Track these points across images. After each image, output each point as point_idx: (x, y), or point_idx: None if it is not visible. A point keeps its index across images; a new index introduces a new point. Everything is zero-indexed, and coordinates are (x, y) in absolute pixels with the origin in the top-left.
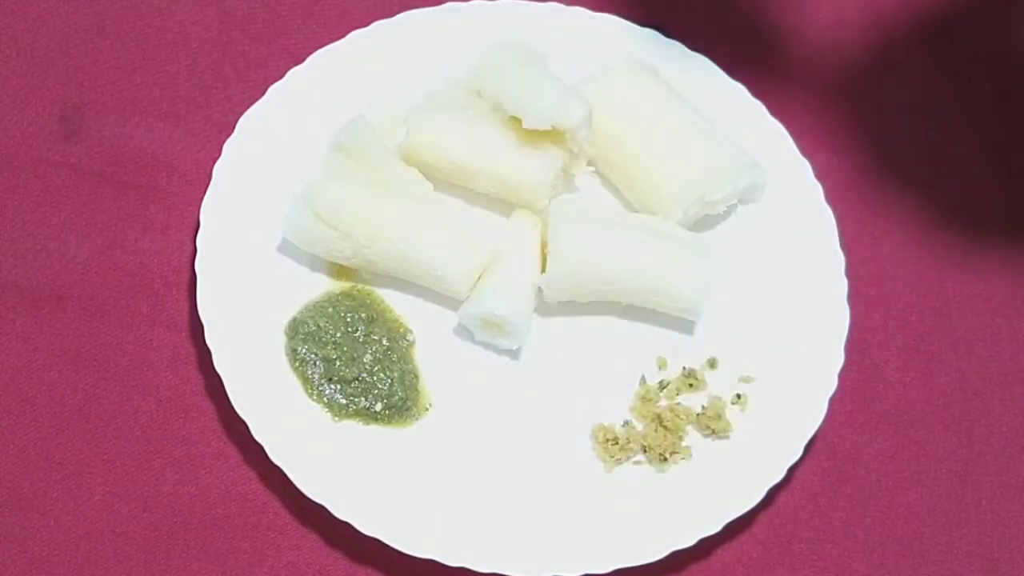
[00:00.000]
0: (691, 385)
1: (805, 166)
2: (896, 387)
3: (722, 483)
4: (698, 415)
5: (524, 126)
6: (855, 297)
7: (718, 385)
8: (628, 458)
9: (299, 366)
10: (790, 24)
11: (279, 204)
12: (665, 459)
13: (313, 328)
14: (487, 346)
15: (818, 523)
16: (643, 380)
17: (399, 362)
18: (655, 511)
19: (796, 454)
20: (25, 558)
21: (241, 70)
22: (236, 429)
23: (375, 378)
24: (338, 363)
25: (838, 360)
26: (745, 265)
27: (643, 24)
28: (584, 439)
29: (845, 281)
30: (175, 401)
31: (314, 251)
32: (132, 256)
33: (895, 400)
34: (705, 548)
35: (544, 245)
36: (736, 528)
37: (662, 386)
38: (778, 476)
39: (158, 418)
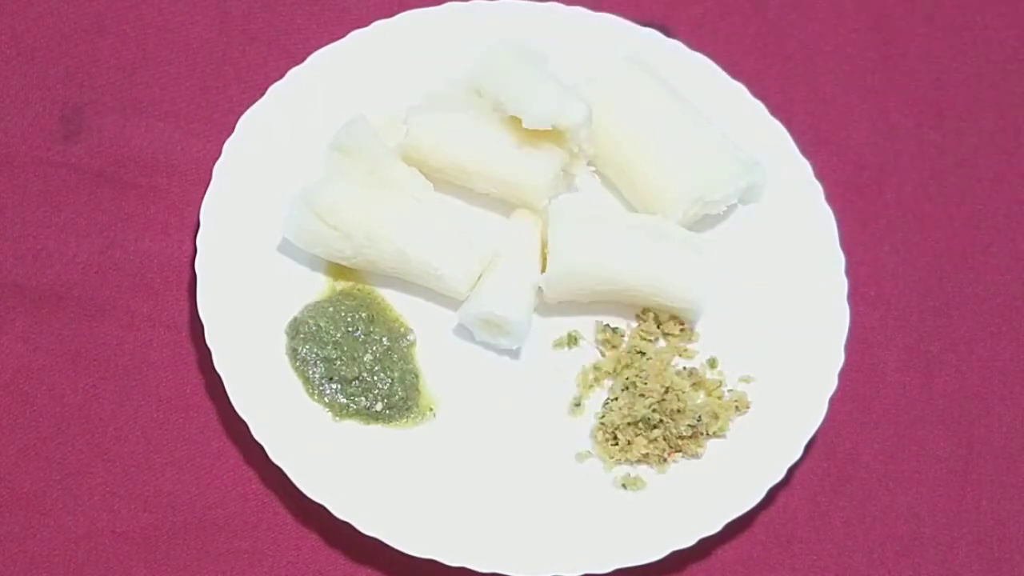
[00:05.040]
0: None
1: (805, 166)
2: (896, 387)
3: (722, 483)
4: (698, 415)
5: (524, 126)
6: (855, 297)
7: (718, 385)
8: (628, 458)
9: (300, 366)
10: (790, 24)
11: (279, 204)
12: (665, 459)
13: (314, 328)
14: (487, 346)
15: (818, 523)
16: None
17: (399, 362)
18: (655, 511)
19: (796, 454)
20: (25, 558)
21: (241, 70)
22: (236, 429)
23: (375, 378)
24: (338, 363)
25: (838, 360)
26: (745, 265)
27: (643, 24)
28: (584, 439)
29: (845, 281)
30: (175, 401)
31: (314, 251)
32: (132, 256)
33: (895, 400)
34: (705, 548)
35: (544, 245)
36: (736, 528)
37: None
38: (778, 476)
39: (158, 418)
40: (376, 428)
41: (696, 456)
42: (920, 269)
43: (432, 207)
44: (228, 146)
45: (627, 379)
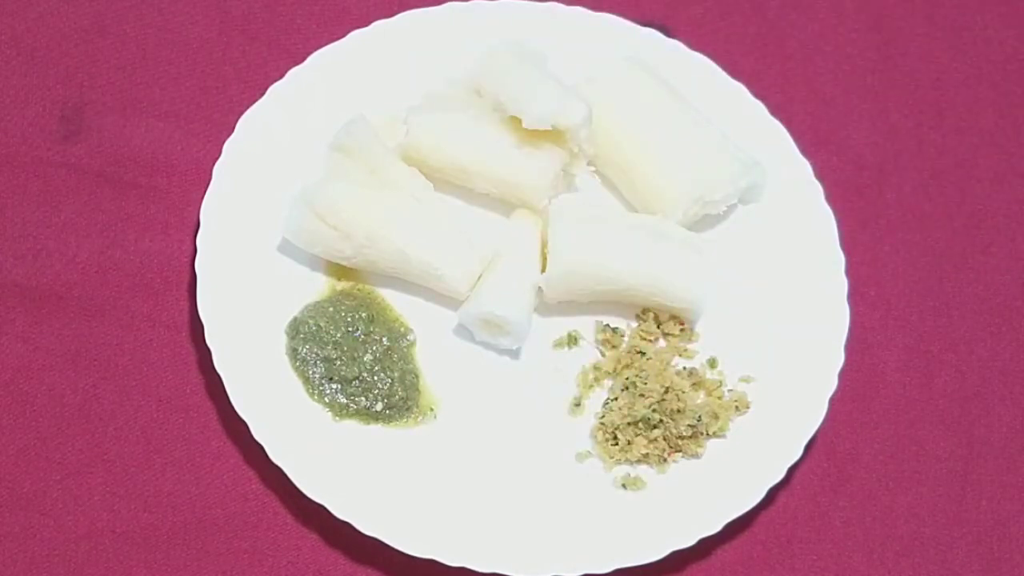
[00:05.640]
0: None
1: (805, 166)
2: (896, 387)
3: (722, 483)
4: (698, 415)
5: (524, 126)
6: (855, 297)
7: (718, 385)
8: (628, 458)
9: (300, 366)
10: (790, 24)
11: (279, 204)
12: (665, 459)
13: (314, 328)
14: (487, 346)
15: (818, 523)
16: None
17: (399, 362)
18: (655, 511)
19: (796, 454)
20: (25, 558)
21: (241, 70)
22: (236, 429)
23: (375, 377)
24: (338, 363)
25: (838, 360)
26: (745, 265)
27: (643, 24)
28: (584, 439)
29: (845, 281)
30: (175, 401)
31: (314, 251)
32: (132, 256)
33: (895, 400)
34: (705, 548)
35: (544, 245)
36: (736, 528)
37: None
38: (778, 476)
39: (158, 418)
40: (376, 428)
41: (696, 456)
42: (920, 269)
43: (432, 207)
44: (228, 146)
45: (627, 379)
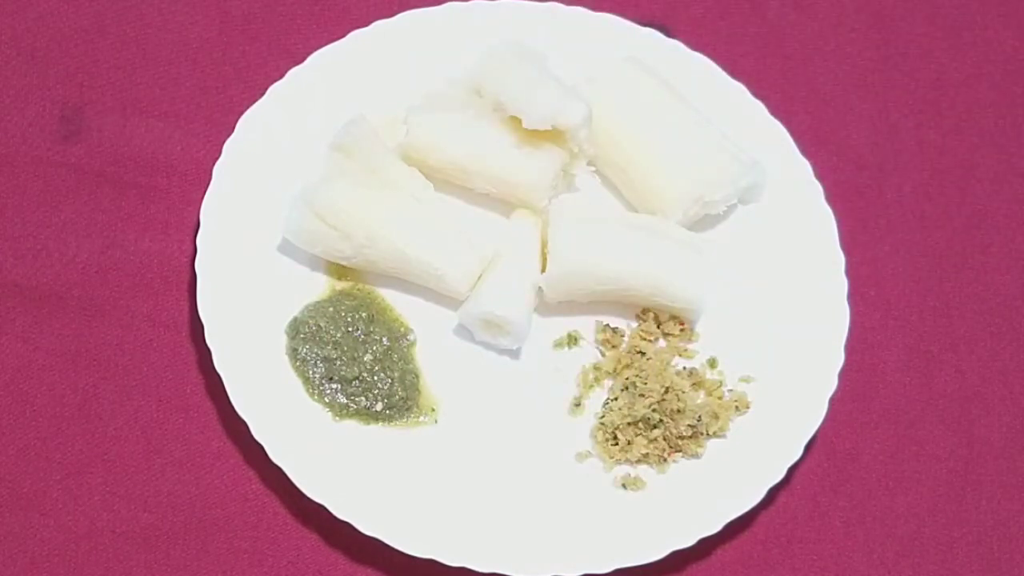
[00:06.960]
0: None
1: (805, 166)
2: (896, 387)
3: (722, 483)
4: (698, 415)
5: (524, 126)
6: (855, 297)
7: (718, 385)
8: (628, 458)
9: (300, 366)
10: (790, 24)
11: (279, 204)
12: (665, 459)
13: (314, 328)
14: (487, 346)
15: (818, 523)
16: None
17: (399, 362)
18: (655, 511)
19: (796, 454)
20: (25, 558)
21: (241, 70)
22: (236, 429)
23: (375, 378)
24: (339, 363)
25: (838, 360)
26: (745, 265)
27: (643, 24)
28: (584, 439)
29: (845, 281)
30: (175, 401)
31: (314, 251)
32: (132, 256)
33: (895, 400)
34: (705, 548)
35: (544, 245)
36: (736, 528)
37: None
38: (778, 476)
39: (158, 418)
40: (376, 428)
41: (696, 456)
42: (920, 269)
43: (432, 207)
44: (228, 146)
45: (627, 379)
